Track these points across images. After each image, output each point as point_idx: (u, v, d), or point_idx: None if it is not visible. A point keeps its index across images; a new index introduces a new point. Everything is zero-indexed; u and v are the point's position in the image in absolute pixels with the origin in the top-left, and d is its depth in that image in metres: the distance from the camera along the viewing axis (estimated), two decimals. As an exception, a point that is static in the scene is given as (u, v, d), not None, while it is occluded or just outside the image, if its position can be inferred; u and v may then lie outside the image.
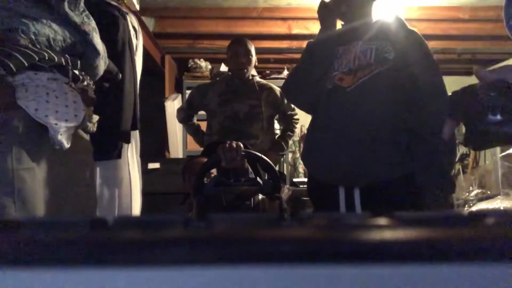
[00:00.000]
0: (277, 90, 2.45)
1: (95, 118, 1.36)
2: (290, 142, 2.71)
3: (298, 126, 2.69)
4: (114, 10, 1.73)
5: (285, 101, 2.43)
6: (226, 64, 2.71)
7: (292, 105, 2.46)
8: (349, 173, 1.43)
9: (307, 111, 1.73)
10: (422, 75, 1.42)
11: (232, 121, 2.34)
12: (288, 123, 2.56)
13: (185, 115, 2.62)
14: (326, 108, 1.51)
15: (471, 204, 3.07)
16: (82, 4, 1.27)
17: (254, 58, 2.43)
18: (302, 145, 4.11)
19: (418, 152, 1.40)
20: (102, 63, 1.35)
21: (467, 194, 3.23)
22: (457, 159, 3.70)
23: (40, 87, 1.13)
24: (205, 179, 1.69)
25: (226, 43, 3.93)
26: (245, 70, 2.39)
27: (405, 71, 1.42)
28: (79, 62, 1.26)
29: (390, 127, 1.41)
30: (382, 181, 1.41)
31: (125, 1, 2.28)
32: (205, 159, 1.86)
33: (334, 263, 0.21)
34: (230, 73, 2.54)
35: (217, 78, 2.87)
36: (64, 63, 1.20)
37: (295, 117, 2.56)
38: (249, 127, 2.34)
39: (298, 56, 4.02)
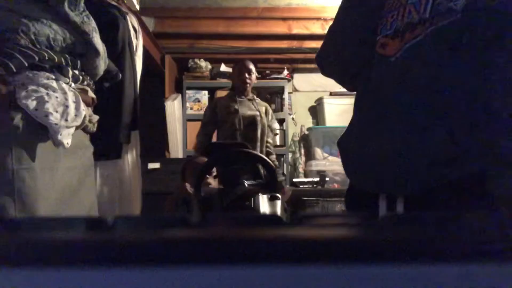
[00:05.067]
0: (270, 110, 3.04)
1: (95, 118, 1.36)
2: (290, 142, 3.00)
3: (298, 126, 2.82)
4: (114, 10, 1.73)
5: (273, 121, 3.04)
6: (232, 82, 3.08)
7: (276, 128, 3.01)
8: (392, 177, 1.01)
9: (344, 85, 1.29)
10: None
11: (236, 128, 2.74)
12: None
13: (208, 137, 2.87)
14: (364, 89, 1.11)
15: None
16: (82, 4, 1.27)
17: (254, 76, 2.92)
18: (302, 145, 4.11)
19: (501, 145, 0.92)
20: (102, 63, 1.35)
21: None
22: None
23: (40, 87, 1.13)
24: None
25: (226, 43, 3.95)
26: (248, 85, 2.87)
27: (485, 24, 0.91)
28: (79, 62, 1.26)
29: (451, 110, 0.94)
30: (438, 185, 0.96)
31: (125, 1, 2.28)
32: (205, 159, 1.87)
33: (334, 263, 0.21)
34: (233, 91, 2.98)
35: (220, 97, 3.27)
36: (64, 63, 1.20)
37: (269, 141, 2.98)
38: (251, 132, 2.78)
39: (298, 56, 4.05)
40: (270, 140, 3.00)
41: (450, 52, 0.94)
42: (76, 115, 1.20)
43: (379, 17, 1.08)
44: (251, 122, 2.79)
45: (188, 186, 1.89)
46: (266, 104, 3.06)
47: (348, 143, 1.14)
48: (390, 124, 1.00)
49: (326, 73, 1.31)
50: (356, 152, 1.09)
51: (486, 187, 0.90)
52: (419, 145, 0.96)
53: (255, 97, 2.99)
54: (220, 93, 4.10)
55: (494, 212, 0.85)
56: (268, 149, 2.96)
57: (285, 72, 4.26)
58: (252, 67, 2.91)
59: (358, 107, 1.13)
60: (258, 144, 2.79)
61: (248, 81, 2.87)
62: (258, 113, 2.85)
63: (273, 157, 2.95)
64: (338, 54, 1.19)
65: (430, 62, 0.96)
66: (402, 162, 0.98)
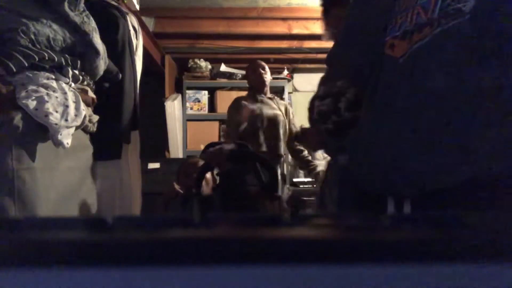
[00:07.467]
0: (291, 108, 3.01)
1: (95, 118, 1.36)
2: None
3: (298, 126, 2.86)
4: (114, 10, 1.73)
5: (294, 119, 2.96)
6: (248, 83, 3.03)
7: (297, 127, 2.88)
8: (401, 178, 0.98)
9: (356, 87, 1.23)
10: None
11: (258, 126, 2.71)
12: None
13: None
14: (373, 90, 1.09)
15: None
16: (82, 4, 1.27)
17: (269, 73, 2.95)
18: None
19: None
20: (102, 63, 1.35)
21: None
22: None
23: (40, 87, 1.13)
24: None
25: (226, 43, 3.95)
26: (265, 81, 2.88)
27: (494, 25, 0.90)
28: (79, 62, 1.26)
29: (459, 112, 0.92)
30: (445, 188, 0.93)
31: (125, 1, 2.28)
32: (198, 160, 1.88)
33: (334, 263, 0.21)
34: (250, 91, 2.94)
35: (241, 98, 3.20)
36: (64, 63, 1.20)
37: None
38: (274, 131, 2.75)
39: (298, 56, 4.05)
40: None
41: (457, 53, 0.92)
42: (76, 115, 1.20)
43: (389, 18, 1.06)
44: (274, 121, 2.77)
45: (176, 186, 1.91)
46: (285, 103, 3.06)
47: (356, 145, 1.12)
48: (397, 126, 0.98)
49: (337, 75, 1.25)
50: (365, 153, 1.07)
51: (494, 190, 0.86)
52: (427, 147, 0.94)
53: (275, 96, 2.99)
54: (221, 93, 4.11)
55: (499, 214, 0.88)
56: (298, 147, 2.91)
57: (285, 72, 4.25)
58: (264, 64, 2.97)
59: (366, 108, 1.10)
60: (281, 143, 2.77)
61: (264, 76, 2.89)
62: (279, 112, 2.83)
63: (306, 153, 2.93)
64: (348, 56, 1.17)
65: (437, 64, 0.94)
66: (410, 163, 0.95)
